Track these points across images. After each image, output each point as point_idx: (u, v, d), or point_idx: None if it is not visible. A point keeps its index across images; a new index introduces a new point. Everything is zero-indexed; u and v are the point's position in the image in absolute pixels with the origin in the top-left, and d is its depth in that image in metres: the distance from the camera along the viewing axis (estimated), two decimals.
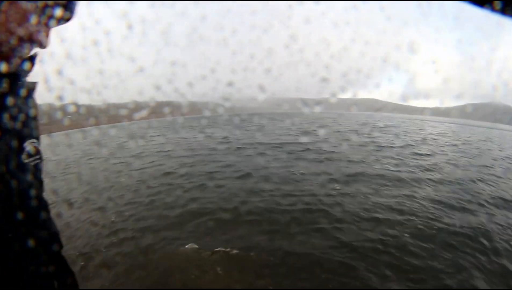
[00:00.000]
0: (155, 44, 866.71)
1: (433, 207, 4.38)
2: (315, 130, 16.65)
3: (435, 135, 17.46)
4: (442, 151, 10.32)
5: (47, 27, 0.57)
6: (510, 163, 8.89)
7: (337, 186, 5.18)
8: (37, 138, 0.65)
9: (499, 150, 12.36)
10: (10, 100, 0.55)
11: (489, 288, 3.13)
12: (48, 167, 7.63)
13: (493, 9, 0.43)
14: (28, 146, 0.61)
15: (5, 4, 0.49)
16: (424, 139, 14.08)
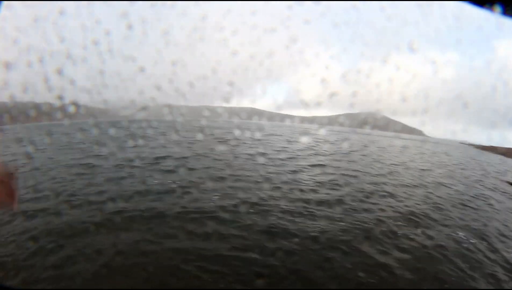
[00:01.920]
0: (155, 44, 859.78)
1: None
2: None
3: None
4: None
5: None
6: None
7: None
8: None
9: None
10: None
11: (489, 288, 3.13)
12: None
13: (492, 9, 0.43)
14: None
15: None
16: None
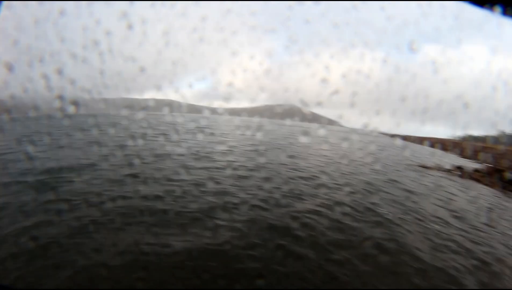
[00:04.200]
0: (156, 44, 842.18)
1: None
2: None
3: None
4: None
5: None
6: None
7: None
8: None
9: None
10: None
11: (488, 288, 3.12)
12: None
13: (492, 10, 0.43)
14: None
15: None
16: None
